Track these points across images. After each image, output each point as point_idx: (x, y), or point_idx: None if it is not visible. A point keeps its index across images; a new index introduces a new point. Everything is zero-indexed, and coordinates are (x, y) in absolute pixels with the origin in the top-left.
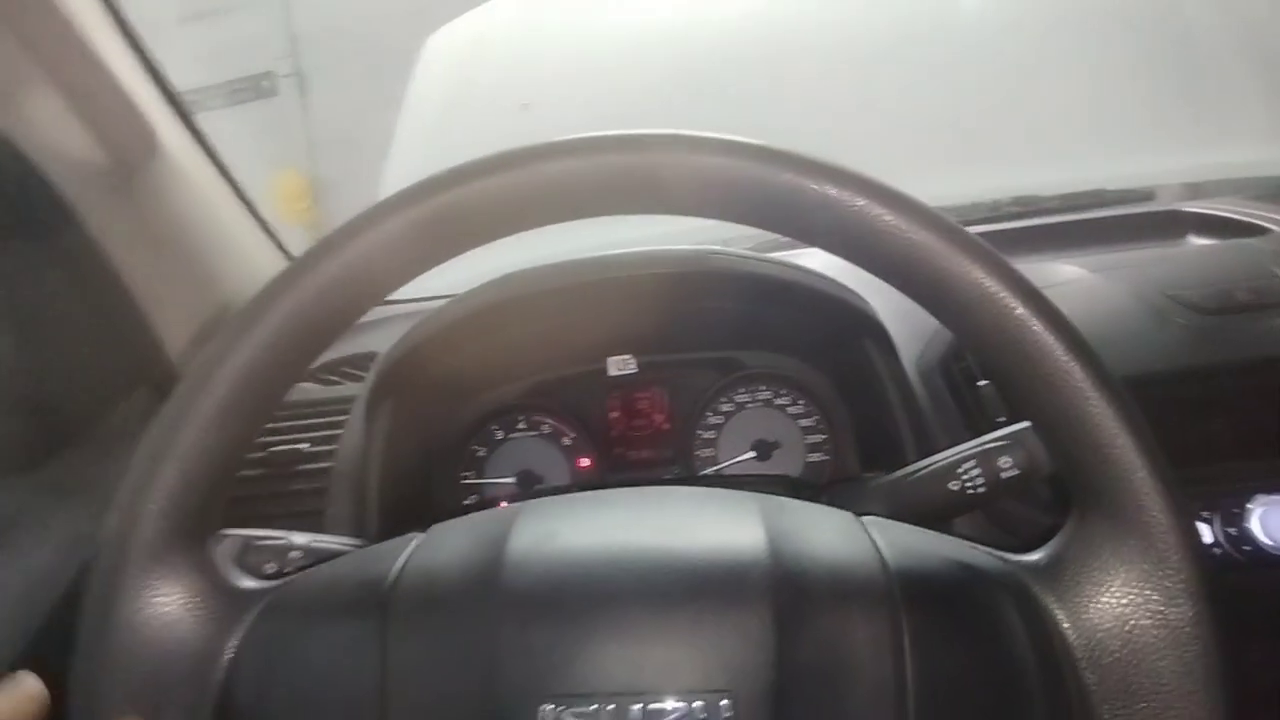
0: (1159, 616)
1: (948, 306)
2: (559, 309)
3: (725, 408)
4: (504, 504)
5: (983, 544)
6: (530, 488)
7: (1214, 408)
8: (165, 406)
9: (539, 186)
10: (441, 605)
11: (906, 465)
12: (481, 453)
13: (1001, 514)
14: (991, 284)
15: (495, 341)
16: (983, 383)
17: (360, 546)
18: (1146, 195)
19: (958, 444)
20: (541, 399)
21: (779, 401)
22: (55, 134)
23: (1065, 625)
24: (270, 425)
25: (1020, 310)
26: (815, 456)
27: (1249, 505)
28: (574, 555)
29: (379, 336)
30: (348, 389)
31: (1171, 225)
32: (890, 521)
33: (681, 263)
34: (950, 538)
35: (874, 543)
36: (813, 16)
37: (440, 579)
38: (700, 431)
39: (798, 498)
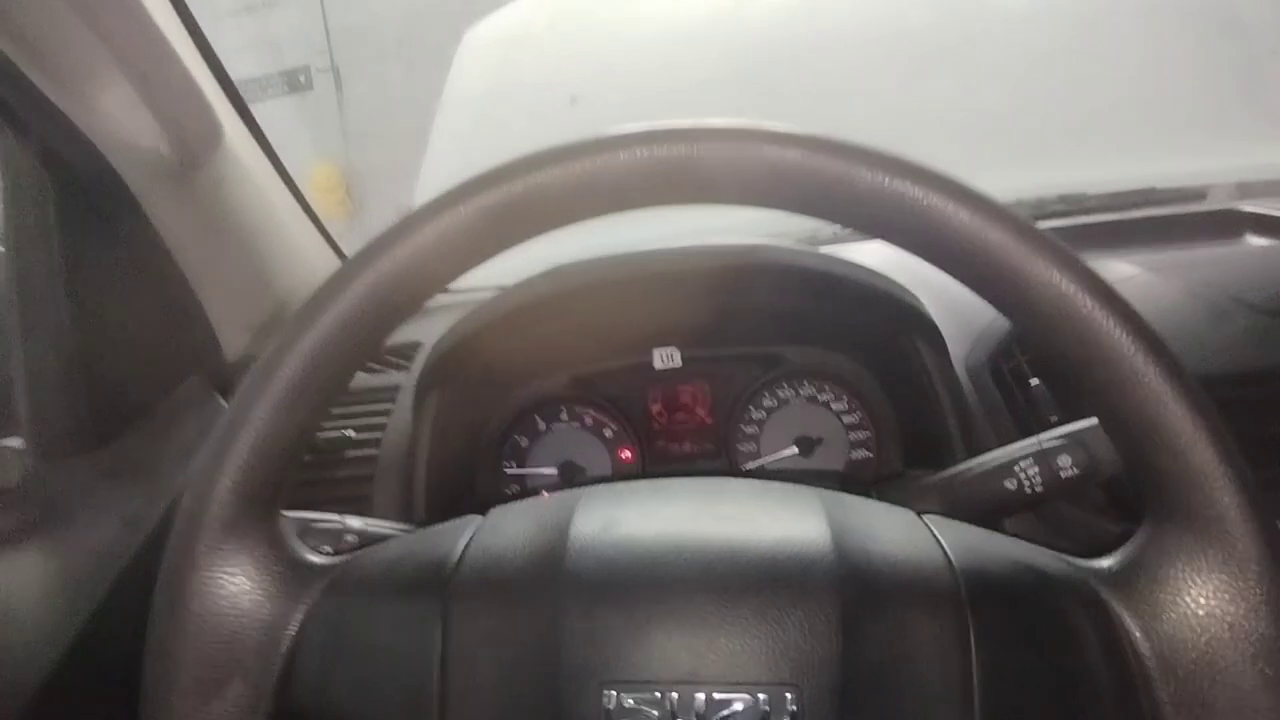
0: (1239, 629)
1: (1018, 303)
2: (605, 302)
3: (768, 403)
4: (545, 494)
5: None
6: (572, 479)
7: (1277, 410)
8: (241, 385)
9: (596, 179)
10: (504, 588)
11: (954, 464)
12: (525, 443)
13: (1057, 517)
14: (1065, 281)
15: (540, 334)
16: (1034, 382)
17: (410, 531)
18: (1199, 194)
19: (1006, 444)
20: (584, 391)
21: (822, 398)
22: (125, 124)
23: (1138, 634)
24: None
25: (1095, 308)
26: (858, 454)
27: None
28: (637, 542)
29: (424, 327)
30: (393, 377)
31: (1228, 224)
32: (952, 520)
33: (729, 256)
34: (1015, 539)
35: (938, 540)
36: (863, 9)
37: (503, 562)
38: (742, 426)
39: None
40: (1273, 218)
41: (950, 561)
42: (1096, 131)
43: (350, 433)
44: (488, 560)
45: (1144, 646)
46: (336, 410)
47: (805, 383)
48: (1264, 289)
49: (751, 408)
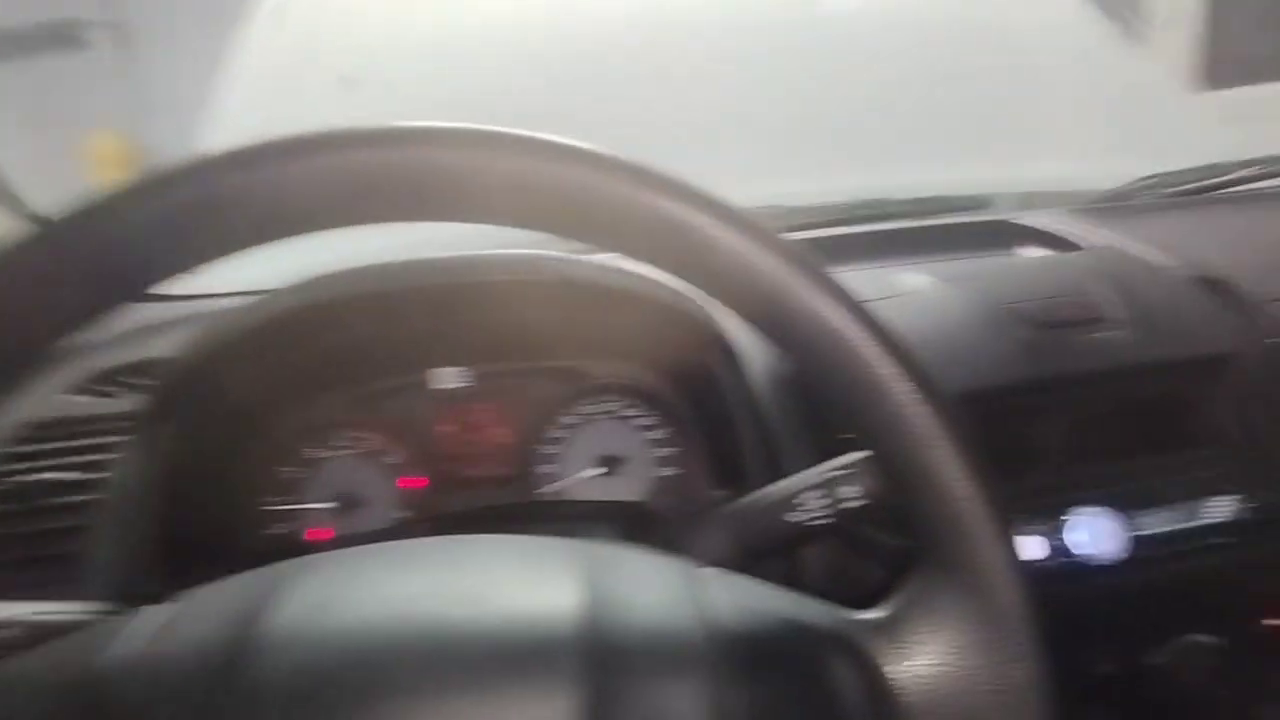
0: (999, 680)
1: (786, 333)
2: (377, 315)
3: (569, 421)
4: (311, 537)
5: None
6: (352, 513)
7: (1042, 420)
8: None
9: (307, 184)
10: (160, 707)
11: (754, 488)
12: (291, 477)
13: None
14: (836, 314)
15: (304, 349)
16: None
17: (107, 613)
18: (985, 203)
19: (826, 457)
20: (361, 413)
21: (627, 414)
22: None
23: (903, 689)
24: (18, 449)
25: (868, 346)
26: (666, 471)
27: (1064, 518)
28: (347, 633)
29: (165, 340)
30: (124, 403)
31: (1002, 236)
32: (733, 576)
33: (509, 269)
34: (792, 594)
35: (705, 604)
36: (670, 14)
37: (166, 670)
38: (542, 447)
39: (642, 528)
40: (1037, 230)
41: (713, 628)
42: (900, 138)
43: (65, 474)
44: (147, 669)
45: (911, 699)
46: (47, 445)
47: (609, 398)
48: (1034, 300)
49: (551, 427)
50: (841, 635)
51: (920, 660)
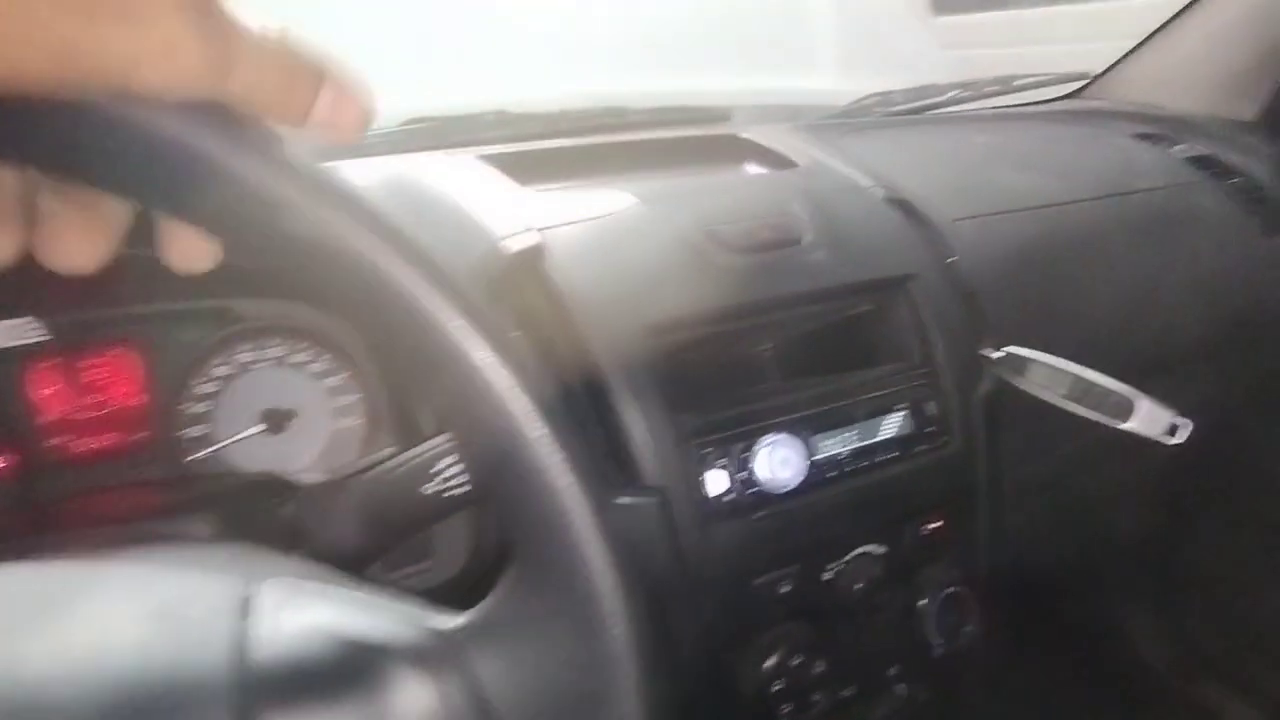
0: (599, 682)
1: (323, 269)
2: None
3: (223, 371)
4: None
5: None
6: None
7: (735, 348)
8: None
9: None
10: None
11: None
12: None
13: None
14: (393, 267)
15: None
16: (514, 334)
17: None
18: (724, 115)
19: None
20: None
21: (296, 359)
22: None
23: (491, 699)
24: None
25: (432, 303)
26: (346, 422)
27: (755, 447)
28: None
29: None
30: None
31: (731, 150)
32: (292, 585)
33: None
34: (367, 602)
35: (242, 636)
36: None
37: None
38: (187, 405)
39: (273, 500)
40: (764, 147)
41: (246, 660)
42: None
43: None
44: None
45: (501, 714)
46: None
47: (273, 342)
48: (735, 224)
49: (199, 379)
50: (415, 649)
51: (510, 668)
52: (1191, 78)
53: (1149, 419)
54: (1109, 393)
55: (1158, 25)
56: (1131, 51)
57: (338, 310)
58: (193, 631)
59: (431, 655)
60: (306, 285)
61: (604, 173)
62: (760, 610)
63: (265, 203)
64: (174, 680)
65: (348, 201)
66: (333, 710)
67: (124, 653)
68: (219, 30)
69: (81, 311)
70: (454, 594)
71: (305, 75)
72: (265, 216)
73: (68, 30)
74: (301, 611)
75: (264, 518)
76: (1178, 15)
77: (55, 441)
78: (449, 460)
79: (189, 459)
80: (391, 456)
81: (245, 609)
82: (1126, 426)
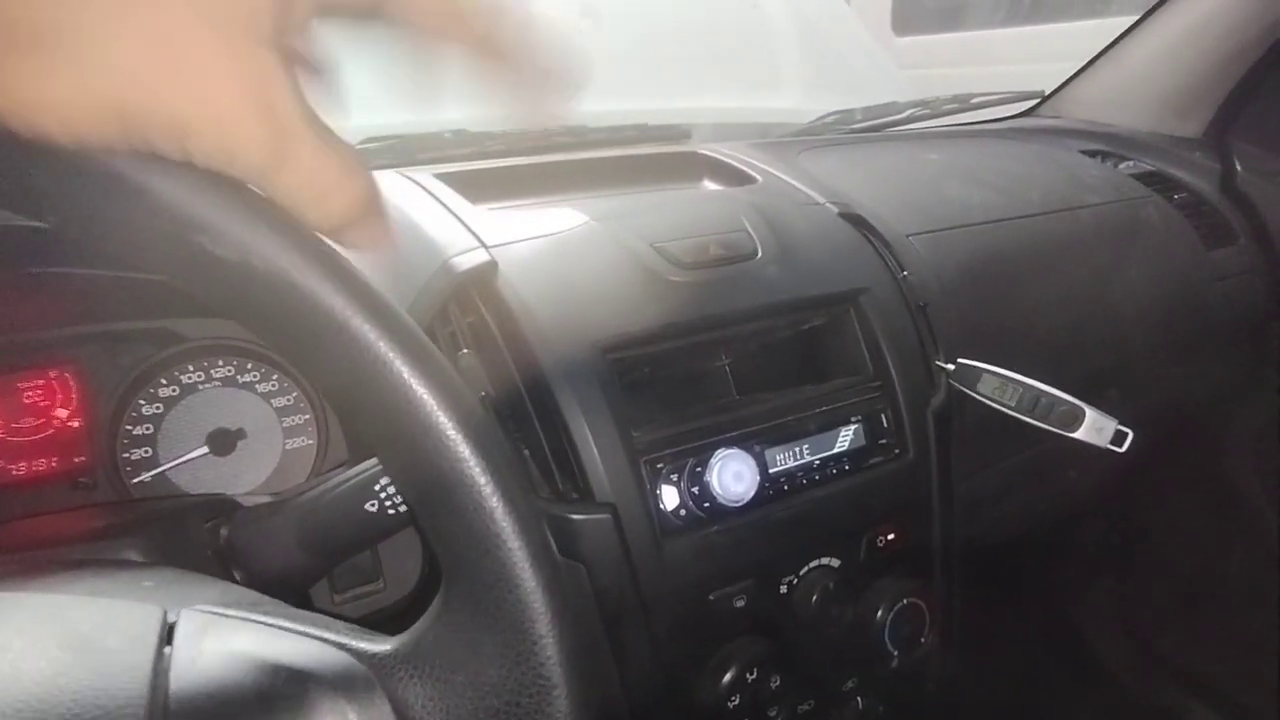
0: (531, 705)
1: (266, 318)
2: None
3: (167, 392)
4: None
5: None
6: None
7: (688, 363)
8: None
9: None
10: None
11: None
12: None
13: None
14: (325, 292)
15: None
16: (464, 352)
17: None
18: (684, 134)
19: None
20: None
21: (245, 379)
22: None
23: None
24: None
25: (368, 330)
26: (297, 442)
27: (709, 461)
28: None
29: None
30: None
31: (688, 167)
32: (217, 612)
33: None
34: (293, 629)
35: (161, 664)
36: None
37: None
38: (129, 427)
39: (211, 523)
40: (721, 164)
41: (163, 693)
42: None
43: None
44: None
45: None
46: None
47: (218, 362)
48: (687, 239)
49: (141, 401)
50: (340, 674)
51: (440, 693)
52: (1139, 96)
53: (1095, 428)
54: (1057, 402)
55: (1106, 44)
56: (1082, 70)
57: (264, 333)
58: (110, 660)
59: (358, 681)
60: (235, 307)
61: (561, 190)
62: (716, 625)
63: (183, 223)
64: (89, 710)
65: (268, 222)
66: None
67: (37, 682)
68: (281, 125)
69: (16, 333)
70: (406, 614)
71: (349, 189)
72: (184, 236)
73: (120, 90)
74: (224, 638)
75: (200, 541)
76: (1125, 35)
77: None
78: (388, 480)
79: (133, 481)
80: (334, 476)
81: (165, 636)
82: (1074, 435)
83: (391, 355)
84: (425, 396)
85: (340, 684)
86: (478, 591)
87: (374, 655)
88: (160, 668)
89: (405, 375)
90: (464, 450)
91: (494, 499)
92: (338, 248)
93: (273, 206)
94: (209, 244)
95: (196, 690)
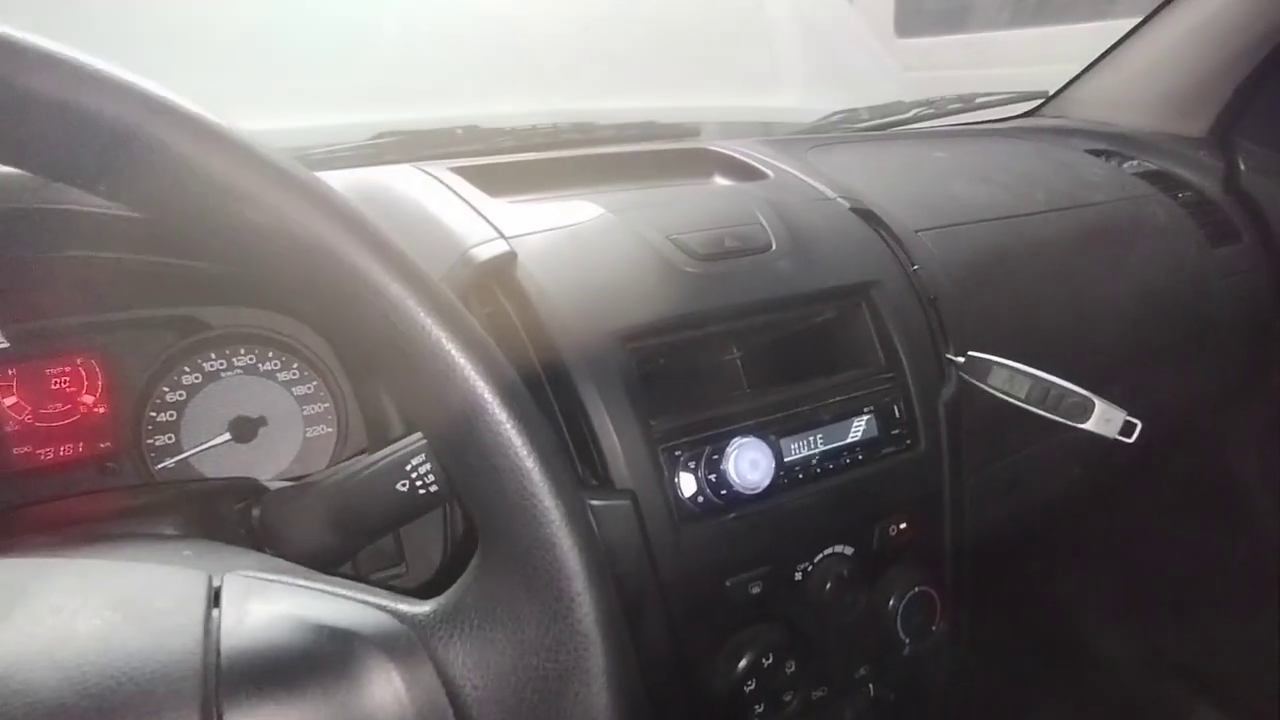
0: (569, 660)
1: (310, 282)
2: None
3: (190, 380)
4: None
5: None
6: None
7: (704, 353)
8: None
9: None
10: None
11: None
12: None
13: None
14: (365, 263)
15: None
16: None
17: None
18: (692, 131)
19: None
20: None
21: (266, 367)
22: None
23: (463, 682)
24: None
25: (407, 297)
26: (317, 430)
27: (725, 450)
28: None
29: None
30: None
31: (701, 164)
32: (260, 577)
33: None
34: (335, 592)
35: (210, 624)
36: None
37: None
38: (153, 414)
39: (241, 503)
40: (732, 159)
41: (215, 651)
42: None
43: None
44: None
45: (472, 698)
46: None
47: (240, 351)
48: (703, 231)
49: (164, 388)
50: (388, 634)
51: (486, 650)
52: (1143, 96)
53: (1105, 419)
54: (1067, 394)
55: (1109, 46)
56: (1085, 71)
57: (303, 306)
58: (160, 620)
59: (400, 640)
60: (271, 283)
61: (576, 185)
62: (732, 610)
63: (224, 191)
64: (141, 666)
65: (311, 191)
66: (301, 695)
67: (93, 639)
68: None
69: (45, 319)
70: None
71: None
72: (225, 205)
73: None
74: (269, 601)
75: (231, 519)
76: (1128, 35)
77: (19, 450)
78: (421, 459)
79: (157, 467)
80: (360, 460)
81: (213, 598)
82: (1084, 426)
83: (430, 322)
84: (462, 362)
85: (384, 643)
86: (515, 552)
87: (415, 616)
88: (210, 628)
89: (444, 342)
90: (501, 415)
91: (529, 460)
92: (377, 225)
93: (310, 176)
94: (248, 210)
95: (246, 648)
